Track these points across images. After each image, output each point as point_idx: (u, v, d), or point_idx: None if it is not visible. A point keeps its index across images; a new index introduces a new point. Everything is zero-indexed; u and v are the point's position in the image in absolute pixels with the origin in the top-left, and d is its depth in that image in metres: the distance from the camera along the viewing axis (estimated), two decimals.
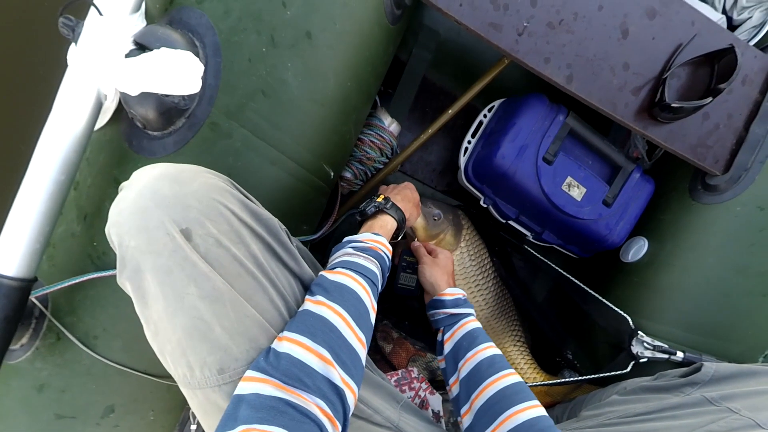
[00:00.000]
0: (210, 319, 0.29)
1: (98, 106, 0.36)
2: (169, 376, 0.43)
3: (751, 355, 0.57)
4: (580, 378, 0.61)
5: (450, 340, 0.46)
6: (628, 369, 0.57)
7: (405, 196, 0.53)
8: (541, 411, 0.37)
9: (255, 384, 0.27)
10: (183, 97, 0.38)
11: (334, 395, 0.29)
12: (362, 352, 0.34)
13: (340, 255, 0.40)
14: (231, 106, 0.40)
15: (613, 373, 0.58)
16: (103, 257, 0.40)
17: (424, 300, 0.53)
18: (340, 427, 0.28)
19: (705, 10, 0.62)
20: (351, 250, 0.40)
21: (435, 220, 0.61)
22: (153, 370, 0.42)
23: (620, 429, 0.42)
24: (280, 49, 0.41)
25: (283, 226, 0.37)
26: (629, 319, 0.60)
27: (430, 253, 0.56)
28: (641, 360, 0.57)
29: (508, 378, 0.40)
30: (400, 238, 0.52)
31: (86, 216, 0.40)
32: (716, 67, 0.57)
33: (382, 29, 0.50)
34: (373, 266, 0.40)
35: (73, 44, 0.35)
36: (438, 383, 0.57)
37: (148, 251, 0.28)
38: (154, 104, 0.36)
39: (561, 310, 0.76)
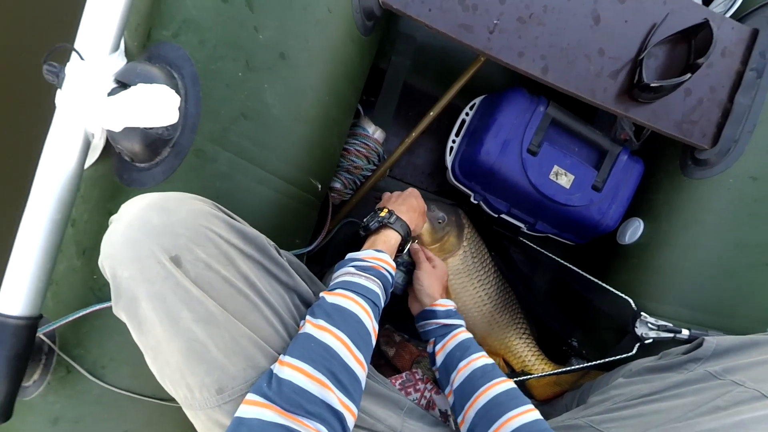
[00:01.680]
0: (205, 340, 0.30)
1: (87, 145, 0.38)
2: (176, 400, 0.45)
3: (758, 328, 0.56)
4: (586, 364, 0.62)
5: (442, 351, 0.47)
6: (634, 351, 0.57)
7: (410, 205, 0.53)
8: (536, 415, 0.38)
9: (257, 409, 0.28)
10: (166, 127, 0.40)
11: (334, 419, 0.30)
12: (362, 374, 0.35)
13: (341, 274, 0.41)
14: (214, 132, 0.42)
15: (619, 357, 0.58)
16: (104, 289, 0.41)
17: (410, 306, 0.54)
18: None
19: None
20: (353, 270, 0.41)
21: (440, 223, 0.62)
22: (161, 395, 0.43)
23: (625, 413, 0.42)
24: (257, 73, 0.43)
25: (272, 242, 0.38)
26: (631, 302, 0.60)
27: (428, 260, 0.56)
28: (646, 341, 0.57)
29: (501, 385, 0.40)
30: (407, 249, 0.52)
31: (85, 251, 0.42)
32: (693, 43, 0.57)
33: (355, 42, 0.52)
34: (375, 286, 0.40)
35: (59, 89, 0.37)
36: None
37: (141, 280, 0.30)
38: (139, 138, 0.38)
39: (563, 299, 0.76)
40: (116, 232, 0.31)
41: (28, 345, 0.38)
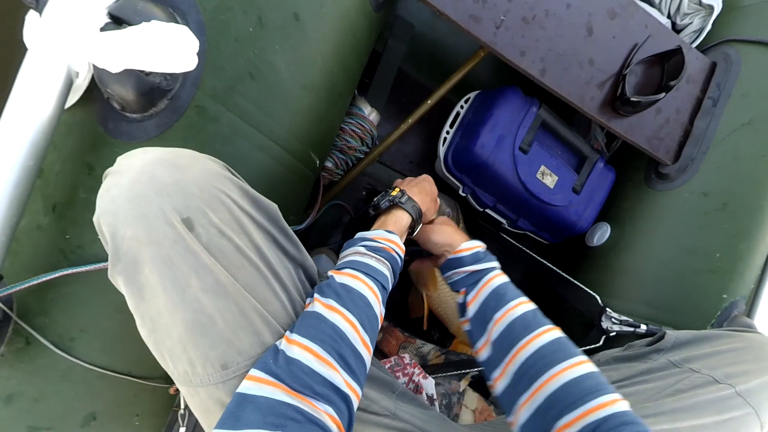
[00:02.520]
0: (212, 312, 0.28)
1: (69, 84, 0.34)
2: (154, 378, 0.42)
3: (702, 324, 0.63)
4: None
5: (474, 301, 0.43)
6: (600, 343, 0.63)
7: (423, 188, 0.50)
8: (589, 367, 0.34)
9: (264, 387, 0.27)
10: (166, 77, 0.36)
11: (341, 401, 0.30)
12: (368, 357, 0.34)
13: (351, 253, 0.39)
14: (218, 89, 0.40)
15: (587, 348, 0.63)
16: (78, 251, 0.37)
17: (436, 264, 0.49)
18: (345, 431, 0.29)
19: (655, 14, 0.70)
20: (363, 249, 0.39)
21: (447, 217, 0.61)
22: (137, 372, 0.40)
23: None
24: (268, 30, 0.41)
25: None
26: (598, 298, 0.67)
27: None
28: (611, 334, 0.64)
29: (546, 335, 0.36)
30: (416, 232, 0.49)
31: (55, 206, 0.37)
32: (666, 66, 0.64)
33: (366, 16, 0.52)
34: (385, 269, 0.39)
35: (34, 14, 0.33)
36: (429, 368, 0.59)
37: (147, 241, 0.27)
38: (134, 83, 0.34)
39: (536, 294, 0.81)
40: (119, 186, 0.28)
41: None
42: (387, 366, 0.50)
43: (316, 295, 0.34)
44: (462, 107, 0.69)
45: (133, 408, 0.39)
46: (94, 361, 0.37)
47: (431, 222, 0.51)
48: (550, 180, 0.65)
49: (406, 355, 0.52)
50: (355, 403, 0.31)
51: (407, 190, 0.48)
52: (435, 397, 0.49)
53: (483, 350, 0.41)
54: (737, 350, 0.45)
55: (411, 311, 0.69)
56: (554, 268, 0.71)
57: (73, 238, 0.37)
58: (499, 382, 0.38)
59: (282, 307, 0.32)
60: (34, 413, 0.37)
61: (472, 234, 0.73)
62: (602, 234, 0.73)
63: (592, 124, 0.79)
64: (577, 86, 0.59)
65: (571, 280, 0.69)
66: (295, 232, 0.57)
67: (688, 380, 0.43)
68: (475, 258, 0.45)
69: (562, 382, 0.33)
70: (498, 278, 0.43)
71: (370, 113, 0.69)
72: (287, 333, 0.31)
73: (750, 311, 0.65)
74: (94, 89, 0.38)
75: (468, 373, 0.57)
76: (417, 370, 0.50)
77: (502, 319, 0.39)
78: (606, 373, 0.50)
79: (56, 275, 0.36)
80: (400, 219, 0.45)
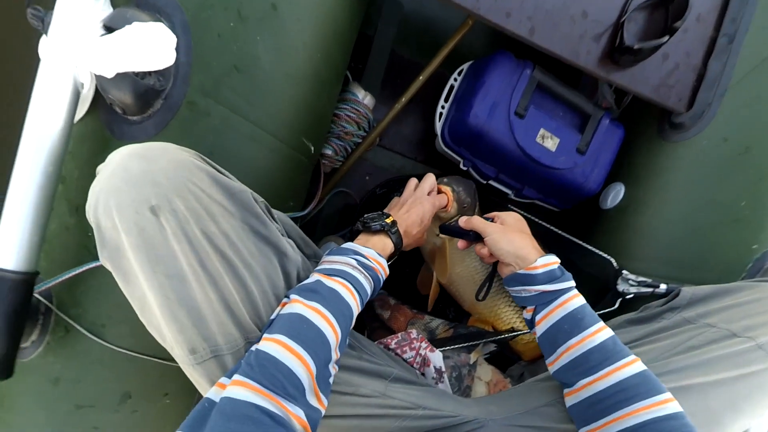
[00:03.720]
0: (175, 298, 0.30)
1: (76, 93, 0.38)
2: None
3: (726, 280, 0.60)
4: None
5: (545, 321, 0.41)
6: (616, 306, 0.62)
7: (415, 221, 0.49)
8: (673, 407, 0.33)
9: (232, 388, 0.26)
10: (158, 78, 0.40)
11: (312, 410, 0.29)
12: (334, 374, 0.34)
13: (341, 262, 0.39)
14: (206, 84, 0.43)
15: (601, 312, 0.62)
16: None
17: (499, 270, 0.47)
18: None
19: None
20: (354, 263, 0.39)
21: (464, 208, 0.60)
22: (162, 354, 0.43)
23: None
24: (248, 23, 0.43)
25: (262, 200, 0.38)
26: (612, 261, 0.65)
27: (492, 220, 0.49)
28: (627, 296, 0.62)
29: (629, 368, 0.35)
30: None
31: (77, 208, 0.42)
32: (670, 8, 0.61)
33: (346, 0, 0.53)
34: (368, 288, 0.39)
35: (44, 36, 0.37)
36: (437, 342, 0.60)
37: (122, 230, 0.30)
38: (130, 86, 0.38)
39: None
40: (99, 181, 0.31)
41: (25, 302, 0.39)
42: (393, 341, 0.51)
43: (296, 296, 0.33)
44: (455, 80, 0.69)
45: (162, 387, 0.44)
46: (123, 345, 0.42)
47: (496, 217, 0.49)
48: (551, 143, 0.64)
49: (414, 331, 0.53)
50: (322, 414, 0.31)
51: (401, 218, 0.48)
52: (443, 369, 0.50)
53: (551, 367, 0.41)
54: (759, 301, 0.42)
55: (421, 287, 0.70)
56: (564, 234, 0.70)
57: (93, 235, 0.42)
58: (568, 398, 0.38)
59: (252, 298, 0.33)
60: (78, 393, 0.42)
61: (481, 208, 0.74)
62: (616, 194, 0.71)
63: (600, 82, 0.76)
64: (570, 42, 0.58)
65: (584, 245, 0.68)
66: (297, 218, 0.61)
67: (703, 336, 0.41)
68: (550, 276, 0.41)
69: (643, 419, 0.33)
70: (574, 300, 0.40)
71: (364, 97, 0.71)
72: (265, 333, 0.31)
73: None
74: (99, 98, 0.42)
75: (478, 344, 0.58)
76: (424, 344, 0.52)
77: (577, 346, 0.38)
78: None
79: (84, 269, 0.41)
80: (386, 247, 0.45)
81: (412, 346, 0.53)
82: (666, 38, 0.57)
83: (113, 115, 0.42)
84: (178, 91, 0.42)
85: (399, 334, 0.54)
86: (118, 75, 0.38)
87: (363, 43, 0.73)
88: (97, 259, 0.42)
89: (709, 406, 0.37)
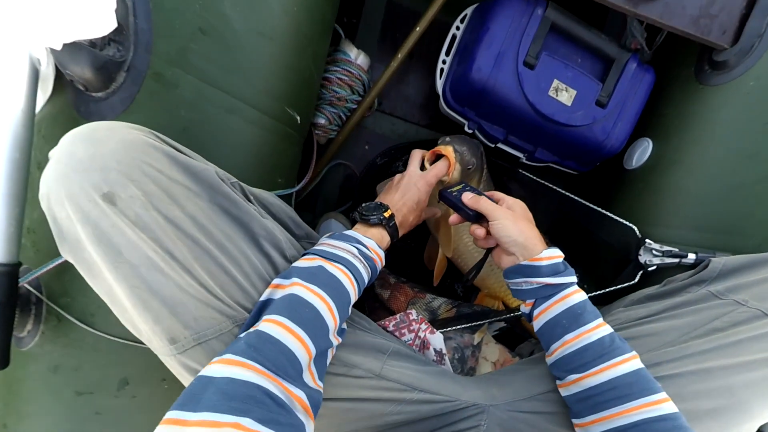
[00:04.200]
0: (147, 288, 0.29)
1: (35, 72, 0.36)
2: None
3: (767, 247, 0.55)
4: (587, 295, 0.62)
5: (543, 315, 0.39)
6: (636, 280, 0.56)
7: (412, 204, 0.48)
8: (669, 407, 0.32)
9: (231, 367, 0.25)
10: (117, 47, 0.37)
11: (312, 390, 0.29)
12: (329, 359, 0.34)
13: (343, 249, 0.38)
14: (171, 52, 0.39)
15: (620, 286, 0.57)
16: None
17: (496, 258, 0.45)
18: (313, 423, 0.28)
19: None
20: (356, 252, 0.39)
21: (469, 169, 0.55)
22: None
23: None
24: None
25: (232, 178, 0.35)
26: (635, 229, 0.59)
27: (497, 202, 0.46)
28: (650, 268, 0.56)
29: (624, 366, 0.34)
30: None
31: None
32: None
33: None
34: (366, 279, 0.39)
35: None
36: (439, 323, 0.58)
37: (77, 220, 0.28)
38: (87, 59, 0.35)
39: (563, 234, 0.75)
40: (48, 168, 0.29)
41: (11, 293, 0.38)
42: (392, 324, 0.50)
43: (296, 279, 0.32)
44: (458, 28, 0.61)
45: (159, 373, 0.44)
46: (115, 332, 0.42)
47: (501, 200, 0.46)
48: (566, 96, 0.56)
49: (413, 311, 0.51)
50: (322, 395, 0.30)
51: (396, 206, 0.47)
52: (444, 351, 0.48)
53: (548, 360, 0.40)
54: None
55: (428, 262, 0.67)
56: (582, 200, 0.64)
57: None
58: (560, 389, 0.38)
59: (231, 280, 0.31)
60: (77, 380, 0.43)
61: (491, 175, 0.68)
62: (642, 152, 0.64)
63: (628, 18, 0.66)
64: None
65: (603, 212, 0.62)
66: (291, 195, 0.58)
67: (728, 317, 0.37)
68: (554, 269, 0.39)
69: (634, 419, 0.32)
70: (575, 295, 0.39)
71: (357, 56, 0.65)
72: (265, 314, 0.30)
73: None
74: (62, 77, 0.39)
75: (482, 325, 0.55)
76: (423, 326, 0.49)
77: (573, 341, 0.37)
78: (631, 312, 0.44)
79: (64, 259, 0.40)
80: (384, 239, 0.44)
81: (411, 328, 0.51)
82: None
83: (77, 94, 0.40)
84: (140, 61, 0.39)
85: (397, 316, 0.52)
86: (69, 47, 0.34)
87: None
88: None
89: (732, 389, 0.34)
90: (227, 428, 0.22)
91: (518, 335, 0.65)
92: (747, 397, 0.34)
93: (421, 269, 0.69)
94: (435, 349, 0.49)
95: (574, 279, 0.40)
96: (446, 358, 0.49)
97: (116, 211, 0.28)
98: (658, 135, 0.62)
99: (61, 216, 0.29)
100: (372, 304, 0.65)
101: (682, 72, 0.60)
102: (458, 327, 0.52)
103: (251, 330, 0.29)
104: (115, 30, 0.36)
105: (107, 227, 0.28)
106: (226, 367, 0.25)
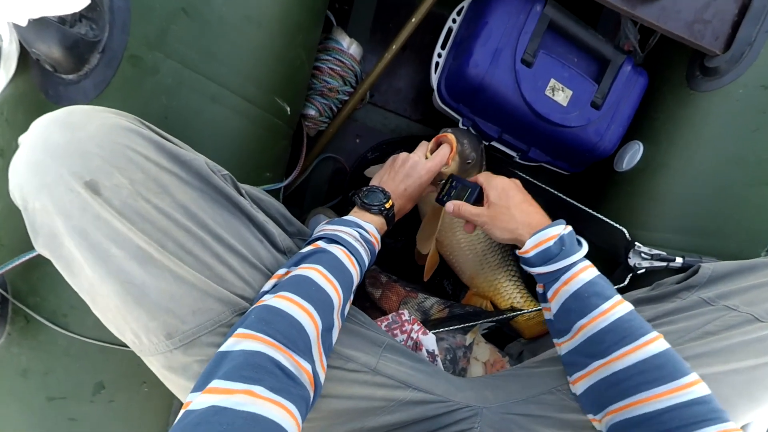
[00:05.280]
0: (142, 282, 0.27)
1: None
2: None
3: (753, 250, 0.54)
4: None
5: (554, 299, 0.39)
6: (626, 282, 0.57)
7: (411, 193, 0.48)
8: (701, 389, 0.31)
9: (244, 341, 0.26)
10: (90, 26, 0.34)
11: (319, 367, 0.29)
12: (335, 338, 0.34)
13: (345, 232, 0.39)
14: (150, 34, 0.36)
15: None
16: None
17: (491, 232, 0.45)
18: (314, 398, 0.29)
19: None
20: (357, 235, 0.39)
21: (468, 163, 0.55)
22: None
23: None
24: None
25: (221, 169, 0.34)
26: (625, 231, 0.60)
27: (481, 190, 0.47)
28: (639, 271, 0.57)
29: (649, 347, 0.33)
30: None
31: None
32: None
33: None
34: (366, 262, 0.40)
35: None
36: (431, 323, 0.57)
37: (56, 212, 0.26)
38: (56, 37, 0.33)
39: None
40: (19, 155, 0.27)
41: None
42: (384, 324, 0.49)
43: (305, 264, 0.33)
44: (454, 21, 0.60)
45: (139, 377, 0.42)
46: (90, 334, 0.39)
47: (482, 189, 0.47)
48: (562, 96, 0.57)
49: (405, 312, 0.51)
50: (323, 378, 0.31)
51: (393, 188, 0.47)
52: (437, 352, 0.48)
53: (563, 347, 0.39)
54: None
55: (418, 258, 0.67)
56: (572, 201, 0.65)
57: None
58: (579, 383, 0.37)
59: (229, 270, 0.31)
60: (48, 385, 0.40)
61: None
62: (633, 155, 0.65)
63: (622, 19, 0.66)
64: None
65: (593, 213, 0.63)
66: (279, 190, 0.56)
67: (721, 320, 0.37)
68: (544, 257, 0.38)
69: (665, 405, 0.30)
70: (580, 276, 0.37)
71: (350, 45, 0.63)
72: (280, 292, 0.30)
73: None
74: (27, 55, 0.36)
75: (475, 325, 0.55)
76: (416, 327, 0.49)
77: (588, 326, 0.35)
78: None
79: (31, 255, 0.37)
80: (383, 227, 0.45)
81: (404, 329, 0.51)
82: None
83: (45, 74, 0.37)
84: (116, 42, 0.36)
85: (389, 316, 0.52)
86: (37, 23, 0.32)
87: None
88: None
89: (722, 393, 0.35)
90: (240, 395, 0.23)
91: (507, 335, 0.66)
92: (735, 400, 0.35)
93: (412, 266, 0.68)
94: (427, 350, 0.49)
95: (574, 258, 0.37)
96: (438, 359, 0.49)
97: (101, 201, 0.26)
98: (648, 138, 0.63)
99: (35, 207, 0.27)
100: (363, 303, 0.64)
101: (673, 77, 0.62)
102: (451, 328, 0.52)
103: (260, 305, 0.29)
104: (88, 6, 0.33)
105: (91, 219, 0.26)
106: (238, 340, 0.26)
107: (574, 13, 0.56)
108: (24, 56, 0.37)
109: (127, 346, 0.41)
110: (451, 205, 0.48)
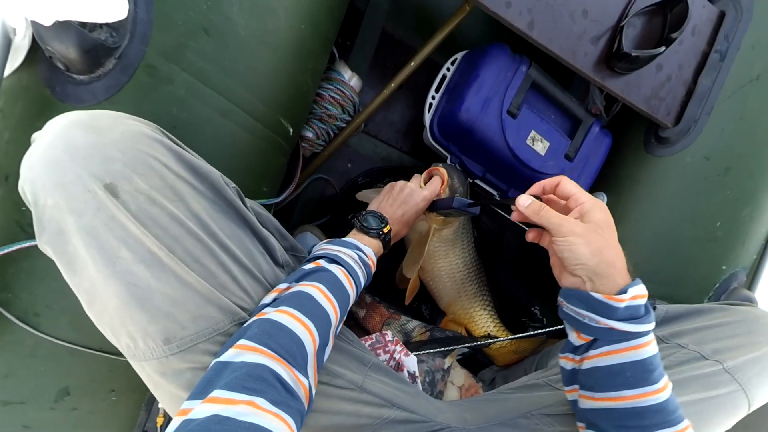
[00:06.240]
0: (148, 285, 0.28)
1: (7, 42, 0.33)
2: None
3: (698, 298, 0.62)
4: (545, 330, 0.67)
5: (603, 357, 0.33)
6: None
7: (405, 219, 0.50)
8: None
9: (246, 353, 0.26)
10: (111, 32, 0.35)
11: (313, 382, 0.30)
12: (326, 358, 0.35)
13: (345, 253, 0.40)
14: (169, 47, 0.38)
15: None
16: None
17: (555, 272, 0.36)
18: (306, 413, 0.29)
19: None
20: (357, 257, 0.41)
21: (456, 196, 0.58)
22: (109, 348, 0.41)
23: None
24: None
25: (231, 182, 0.36)
26: None
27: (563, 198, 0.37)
28: None
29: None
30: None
31: (8, 177, 0.37)
32: (669, 17, 0.61)
33: None
34: (362, 284, 0.41)
35: None
36: (413, 345, 0.59)
37: (68, 210, 0.27)
38: (75, 39, 0.33)
39: (526, 269, 0.82)
40: (36, 152, 0.27)
41: None
42: (368, 343, 0.50)
43: (306, 281, 0.34)
44: (448, 69, 0.67)
45: (108, 384, 0.40)
46: (62, 336, 0.38)
47: (579, 210, 0.34)
48: (540, 146, 0.63)
49: (389, 332, 0.53)
50: (314, 393, 0.31)
51: (390, 212, 0.49)
52: (417, 374, 0.50)
53: (586, 402, 0.35)
54: (729, 324, 0.44)
55: (399, 282, 0.69)
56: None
57: (28, 210, 0.37)
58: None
59: (232, 280, 0.32)
60: (6, 388, 0.38)
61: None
62: None
63: (591, 87, 0.76)
64: (569, 40, 0.57)
65: None
66: (271, 205, 0.58)
67: (674, 356, 0.42)
68: (633, 313, 0.32)
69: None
70: (650, 347, 0.32)
71: (351, 78, 0.67)
72: (282, 306, 0.31)
73: (751, 283, 0.64)
74: (37, 49, 0.37)
75: (453, 349, 0.58)
76: (399, 347, 0.51)
77: (634, 399, 0.32)
78: None
79: (15, 248, 0.36)
80: (379, 251, 0.47)
81: (387, 348, 0.52)
82: (663, 48, 0.57)
83: (54, 72, 0.37)
84: (134, 50, 0.38)
85: (373, 336, 0.53)
86: (58, 24, 0.33)
87: (352, 18, 0.69)
88: (30, 238, 0.37)
89: None
90: (242, 405, 0.23)
91: (480, 361, 0.68)
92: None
93: (392, 289, 0.70)
94: (408, 372, 0.51)
95: (651, 326, 0.32)
96: (418, 381, 0.51)
97: (118, 203, 0.27)
98: (611, 191, 0.71)
99: (47, 203, 0.27)
100: (347, 321, 0.64)
101: (632, 140, 0.71)
102: (431, 351, 0.54)
103: (262, 317, 0.29)
104: None
105: (104, 219, 0.27)
106: (240, 352, 0.27)
107: (552, 74, 0.64)
108: (33, 50, 0.38)
109: (101, 351, 0.40)
110: (526, 201, 0.37)
